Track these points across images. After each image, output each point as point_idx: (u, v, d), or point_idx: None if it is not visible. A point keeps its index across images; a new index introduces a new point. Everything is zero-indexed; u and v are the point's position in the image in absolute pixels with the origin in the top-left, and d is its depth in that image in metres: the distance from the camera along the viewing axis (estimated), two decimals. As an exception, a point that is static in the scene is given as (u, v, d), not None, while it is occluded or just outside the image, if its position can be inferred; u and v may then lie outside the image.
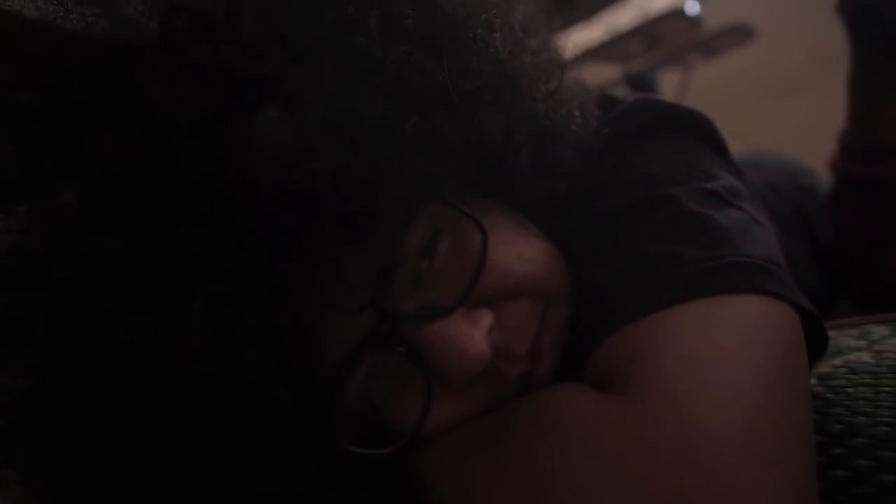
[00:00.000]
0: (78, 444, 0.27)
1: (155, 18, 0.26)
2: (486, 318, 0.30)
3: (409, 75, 0.27)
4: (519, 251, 0.32)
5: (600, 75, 1.68)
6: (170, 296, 0.24)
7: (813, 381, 0.34)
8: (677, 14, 1.49)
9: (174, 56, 0.25)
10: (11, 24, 0.27)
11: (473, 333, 0.29)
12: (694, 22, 1.52)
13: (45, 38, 0.27)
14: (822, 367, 0.35)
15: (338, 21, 0.27)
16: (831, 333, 0.39)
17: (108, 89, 0.25)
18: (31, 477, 0.28)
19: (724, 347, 0.27)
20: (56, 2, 0.27)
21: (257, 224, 0.24)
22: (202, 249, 0.24)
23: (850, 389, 0.32)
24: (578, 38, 1.69)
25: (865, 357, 0.35)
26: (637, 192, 0.34)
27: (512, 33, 0.32)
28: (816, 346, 0.32)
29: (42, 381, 0.27)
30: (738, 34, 1.62)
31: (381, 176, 0.26)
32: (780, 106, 1.85)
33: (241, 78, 0.25)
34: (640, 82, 1.12)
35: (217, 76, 0.25)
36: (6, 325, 0.26)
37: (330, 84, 0.26)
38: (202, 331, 0.24)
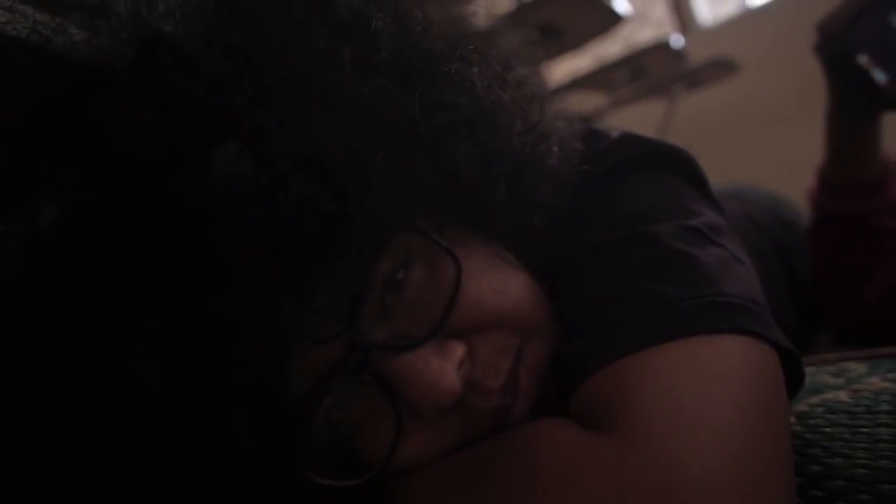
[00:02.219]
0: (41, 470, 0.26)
1: (132, 48, 0.26)
2: (458, 351, 0.29)
3: (381, 109, 0.27)
4: (493, 283, 0.31)
5: (587, 104, 1.71)
6: (132, 327, 0.24)
7: (791, 419, 0.34)
8: (662, 47, 1.53)
9: (143, 88, 0.25)
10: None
11: (444, 366, 0.29)
12: (678, 55, 1.56)
13: (27, 57, 0.26)
14: (801, 406, 0.35)
15: (310, 54, 0.27)
16: (810, 370, 0.39)
17: (78, 118, 0.25)
18: None
19: (708, 388, 0.27)
20: (46, 22, 0.27)
21: (217, 256, 0.24)
22: (164, 279, 0.24)
23: (828, 430, 0.32)
24: (566, 67, 1.72)
25: (843, 396, 0.35)
26: (620, 228, 0.34)
27: (490, 69, 0.32)
28: (794, 382, 0.32)
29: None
30: (722, 67, 1.66)
31: (347, 209, 0.25)
32: (761, 137, 1.89)
33: (206, 111, 0.25)
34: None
35: (182, 110, 0.25)
36: None
37: (297, 116, 0.25)
38: (163, 361, 0.24)
